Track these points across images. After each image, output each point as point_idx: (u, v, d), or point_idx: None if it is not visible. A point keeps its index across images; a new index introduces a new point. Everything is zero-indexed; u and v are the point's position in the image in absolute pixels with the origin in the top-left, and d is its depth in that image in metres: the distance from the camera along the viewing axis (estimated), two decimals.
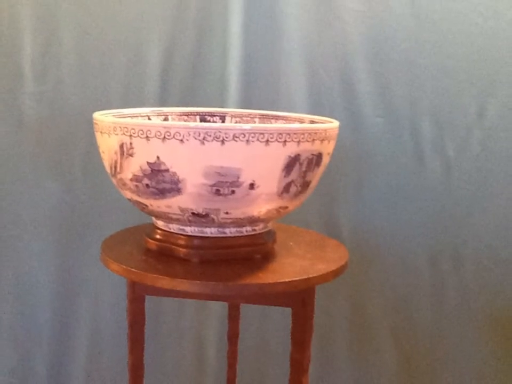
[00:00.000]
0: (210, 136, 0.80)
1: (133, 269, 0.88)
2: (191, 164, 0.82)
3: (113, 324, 1.38)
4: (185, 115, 1.09)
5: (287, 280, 0.87)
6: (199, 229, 0.92)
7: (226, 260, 0.92)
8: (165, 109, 1.08)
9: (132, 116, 1.02)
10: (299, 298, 0.94)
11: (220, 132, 0.80)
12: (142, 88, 1.32)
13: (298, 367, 0.96)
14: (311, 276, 0.88)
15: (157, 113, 1.07)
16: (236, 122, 1.10)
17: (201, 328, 1.41)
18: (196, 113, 1.09)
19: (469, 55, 1.28)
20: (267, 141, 0.82)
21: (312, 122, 1.03)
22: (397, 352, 1.39)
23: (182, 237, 0.93)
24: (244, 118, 1.10)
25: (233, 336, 1.20)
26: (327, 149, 0.91)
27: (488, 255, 1.33)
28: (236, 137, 0.81)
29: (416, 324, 1.37)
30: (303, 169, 0.87)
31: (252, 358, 1.41)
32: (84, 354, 1.42)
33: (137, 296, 0.99)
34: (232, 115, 1.11)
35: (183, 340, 1.42)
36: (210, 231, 0.92)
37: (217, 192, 0.83)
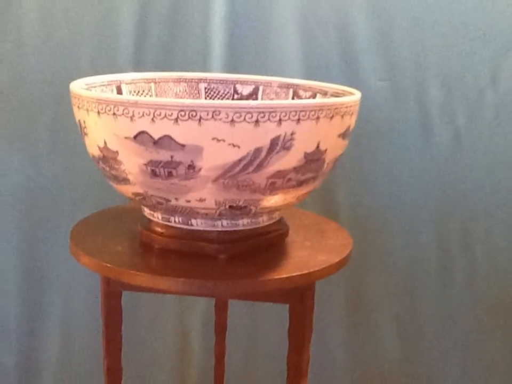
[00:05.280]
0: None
1: (106, 264, 0.77)
2: None
3: (88, 315, 1.30)
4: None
5: (284, 276, 0.76)
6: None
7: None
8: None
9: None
10: (297, 293, 0.84)
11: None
12: (114, 50, 1.21)
13: (296, 370, 0.87)
14: (311, 270, 0.78)
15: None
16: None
17: (185, 320, 1.33)
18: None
19: (482, 10, 1.18)
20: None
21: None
22: (400, 339, 1.32)
23: (165, 226, 0.82)
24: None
25: (220, 328, 1.11)
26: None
27: (499, 233, 1.26)
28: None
29: (421, 309, 1.30)
30: None
31: (242, 352, 1.34)
32: (54, 346, 1.33)
33: (112, 291, 0.89)
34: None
35: (165, 334, 1.34)
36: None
37: None
